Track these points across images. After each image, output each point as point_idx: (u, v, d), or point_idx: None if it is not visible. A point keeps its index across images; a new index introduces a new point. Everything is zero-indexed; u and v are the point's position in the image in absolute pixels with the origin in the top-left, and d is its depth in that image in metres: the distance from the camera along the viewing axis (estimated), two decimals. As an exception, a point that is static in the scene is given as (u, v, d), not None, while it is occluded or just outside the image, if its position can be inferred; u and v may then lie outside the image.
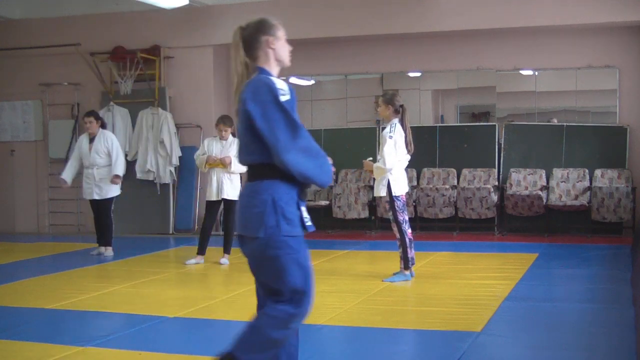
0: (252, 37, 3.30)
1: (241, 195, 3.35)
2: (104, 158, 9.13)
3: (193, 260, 8.33)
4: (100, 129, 9.24)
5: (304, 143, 3.15)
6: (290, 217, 3.17)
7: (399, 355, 4.71)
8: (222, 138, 8.25)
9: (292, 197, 3.20)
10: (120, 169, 9.13)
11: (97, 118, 9.29)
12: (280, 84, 3.19)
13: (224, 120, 8.28)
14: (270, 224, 3.14)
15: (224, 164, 8.13)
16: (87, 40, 11.66)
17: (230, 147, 8.23)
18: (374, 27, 10.84)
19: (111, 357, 4.63)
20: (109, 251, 9.21)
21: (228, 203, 8.26)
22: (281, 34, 3.35)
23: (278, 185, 3.18)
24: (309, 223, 3.23)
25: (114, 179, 9.08)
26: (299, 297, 3.19)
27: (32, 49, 11.92)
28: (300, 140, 3.14)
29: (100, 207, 9.16)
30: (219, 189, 8.19)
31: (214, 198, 8.24)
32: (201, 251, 8.35)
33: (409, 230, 7.02)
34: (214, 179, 8.22)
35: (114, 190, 9.19)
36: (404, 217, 6.98)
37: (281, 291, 3.19)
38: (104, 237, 9.24)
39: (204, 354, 4.57)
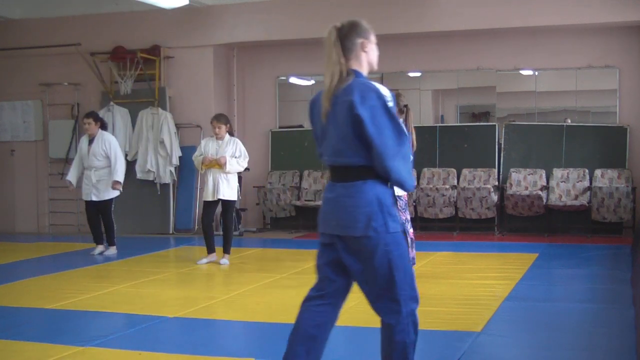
0: (348, 39, 3.36)
1: (338, 195, 3.33)
2: (102, 160, 9.10)
3: (205, 260, 8.32)
4: (100, 131, 9.20)
5: (406, 150, 3.27)
6: (394, 214, 3.30)
7: (399, 355, 4.70)
8: (217, 137, 8.23)
9: (391, 195, 3.33)
10: (119, 174, 9.09)
11: (96, 119, 9.24)
12: (384, 90, 3.26)
13: (217, 118, 8.26)
14: (379, 222, 3.24)
15: (219, 165, 8.11)
16: (87, 40, 11.66)
17: (226, 146, 8.19)
18: (374, 27, 10.69)
19: (111, 357, 4.63)
20: (112, 250, 9.25)
21: (225, 203, 8.23)
22: (373, 37, 3.44)
23: (380, 186, 3.29)
24: (402, 221, 3.40)
25: (114, 184, 9.07)
26: (408, 291, 3.32)
27: (32, 49, 11.92)
28: (404, 147, 3.25)
29: (100, 209, 9.16)
30: (215, 189, 8.16)
31: (210, 198, 8.21)
32: (210, 250, 8.36)
33: (411, 230, 7.03)
34: (210, 179, 8.20)
35: (112, 192, 9.17)
36: (407, 216, 6.99)
37: (392, 289, 3.29)
38: (107, 236, 9.27)
39: (204, 354, 4.58)
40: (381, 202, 3.26)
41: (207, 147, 8.26)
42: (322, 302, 3.44)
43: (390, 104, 3.23)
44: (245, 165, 8.34)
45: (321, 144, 3.41)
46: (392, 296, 3.30)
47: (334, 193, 3.34)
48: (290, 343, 3.44)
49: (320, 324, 3.44)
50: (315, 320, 3.43)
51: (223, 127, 8.19)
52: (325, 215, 3.38)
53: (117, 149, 9.20)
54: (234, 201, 8.35)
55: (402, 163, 3.23)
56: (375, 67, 3.45)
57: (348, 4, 10.85)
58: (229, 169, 8.11)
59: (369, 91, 3.22)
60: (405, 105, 7.03)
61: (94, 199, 9.11)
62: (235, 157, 8.17)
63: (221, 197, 8.15)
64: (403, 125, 3.27)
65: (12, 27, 12.19)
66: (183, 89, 11.67)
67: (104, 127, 9.34)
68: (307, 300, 3.47)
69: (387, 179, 3.27)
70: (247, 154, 8.31)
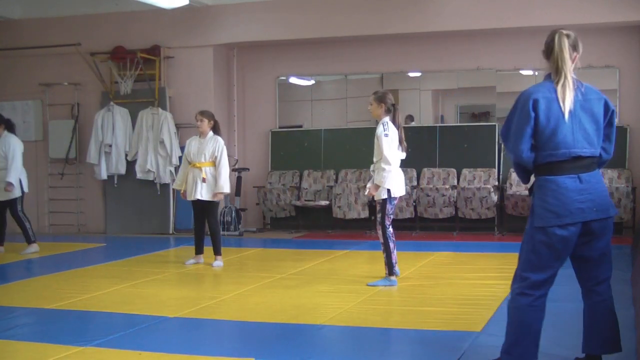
0: (572, 47, 3.84)
1: (592, 184, 3.75)
2: (2, 162, 9.16)
3: (192, 261, 8.33)
4: (5, 132, 9.26)
5: None
6: None
7: (399, 355, 4.71)
8: (200, 131, 8.20)
9: None
10: (11, 175, 9.09)
11: None
12: None
13: (201, 112, 8.25)
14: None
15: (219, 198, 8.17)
16: (87, 40, 11.66)
17: (207, 144, 8.16)
18: (374, 27, 10.84)
19: (111, 357, 4.63)
20: (31, 248, 9.34)
21: (205, 204, 8.16)
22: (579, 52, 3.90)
23: None
24: None
25: (6, 186, 9.10)
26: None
27: (32, 49, 11.92)
28: None
29: (7, 207, 9.29)
30: (193, 189, 8.14)
31: (189, 198, 8.22)
32: (198, 251, 8.36)
33: (392, 230, 6.91)
34: (190, 177, 8.20)
35: (14, 192, 9.20)
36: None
37: (610, 257, 3.97)
38: (24, 236, 9.38)
39: (204, 354, 4.58)
40: None
41: (190, 147, 8.25)
42: (545, 298, 3.90)
43: None
44: (228, 167, 8.21)
45: (550, 137, 3.73)
46: (610, 264, 3.99)
47: (585, 183, 3.73)
48: (522, 342, 3.80)
49: (543, 318, 3.87)
50: (542, 316, 3.85)
51: (205, 121, 8.15)
52: (581, 204, 3.71)
53: (15, 150, 9.17)
54: (215, 202, 8.28)
55: None
56: None
57: (347, 5, 10.86)
58: (226, 188, 8.13)
59: (599, 91, 3.92)
60: (393, 105, 7.01)
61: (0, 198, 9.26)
62: (215, 156, 8.12)
63: (198, 197, 8.10)
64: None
65: (12, 27, 12.19)
66: (183, 89, 11.66)
67: (10, 128, 9.36)
68: (532, 299, 3.85)
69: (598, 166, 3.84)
70: (226, 153, 8.20)
